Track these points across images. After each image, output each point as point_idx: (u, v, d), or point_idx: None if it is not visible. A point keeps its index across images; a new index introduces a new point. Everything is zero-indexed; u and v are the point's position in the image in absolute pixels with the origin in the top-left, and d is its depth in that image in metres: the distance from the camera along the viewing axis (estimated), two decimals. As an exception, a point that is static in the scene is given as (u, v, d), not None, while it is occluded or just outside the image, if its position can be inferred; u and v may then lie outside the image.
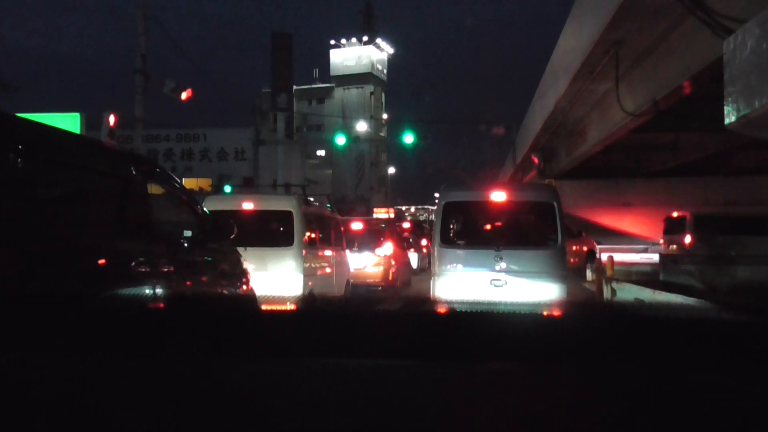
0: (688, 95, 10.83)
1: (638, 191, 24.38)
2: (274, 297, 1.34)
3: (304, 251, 8.69)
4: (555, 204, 7.84)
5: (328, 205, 11.04)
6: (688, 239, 19.27)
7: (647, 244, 23.97)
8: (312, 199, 11.04)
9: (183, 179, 36.01)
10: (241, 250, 8.66)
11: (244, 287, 5.80)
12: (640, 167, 23.90)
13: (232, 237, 5.31)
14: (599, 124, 16.37)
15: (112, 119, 15.78)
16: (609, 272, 10.84)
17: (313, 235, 9.38)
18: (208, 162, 35.94)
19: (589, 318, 1.28)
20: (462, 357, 1.07)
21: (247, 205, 8.90)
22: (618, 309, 1.77)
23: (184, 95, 18.46)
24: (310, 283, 8.79)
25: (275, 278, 8.39)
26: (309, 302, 1.51)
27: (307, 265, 8.81)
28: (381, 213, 47.44)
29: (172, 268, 4.34)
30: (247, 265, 6.33)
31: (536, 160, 24.61)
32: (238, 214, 8.92)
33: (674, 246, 19.75)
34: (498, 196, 8.12)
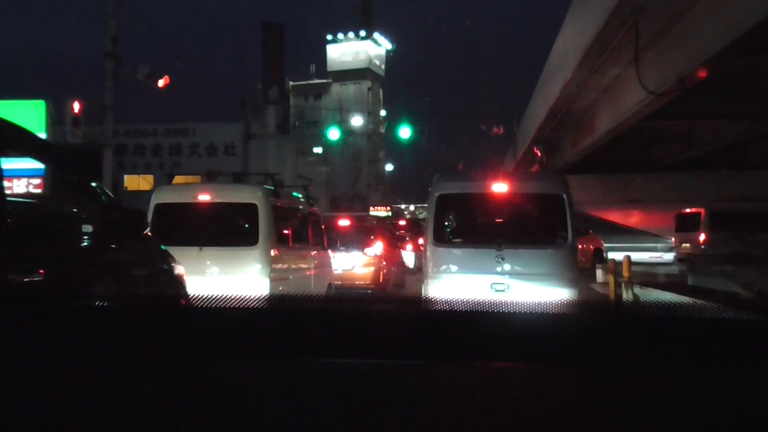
0: (719, 70, 9.48)
1: (647, 186, 23.34)
2: (272, 296, 1.41)
3: (272, 251, 7.36)
4: (564, 196, 6.90)
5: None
6: (702, 237, 18.13)
7: (657, 242, 22.81)
8: (301, 196, 9.67)
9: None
10: (195, 250, 7.41)
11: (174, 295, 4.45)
12: (650, 160, 22.75)
13: (145, 233, 3.98)
14: (610, 111, 15.08)
15: (76, 106, 14.45)
16: (626, 274, 9.51)
17: (284, 232, 8.05)
18: (197, 157, 34.72)
19: (589, 318, 1.22)
20: (462, 357, 1.07)
21: (204, 197, 7.55)
22: (619, 309, 1.73)
23: (160, 82, 17.15)
24: (280, 288, 7.46)
25: (237, 283, 7.11)
26: (307, 302, 1.37)
27: (276, 266, 7.49)
28: (380, 211, 46.43)
29: (38, 276, 3.06)
30: (183, 268, 4.98)
31: (539, 153, 23.38)
32: (192, 208, 7.62)
33: (687, 244, 18.60)
34: (499, 187, 7.16)
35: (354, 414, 0.92)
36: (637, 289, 8.32)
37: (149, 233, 4.17)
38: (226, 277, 7.23)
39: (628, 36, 10.08)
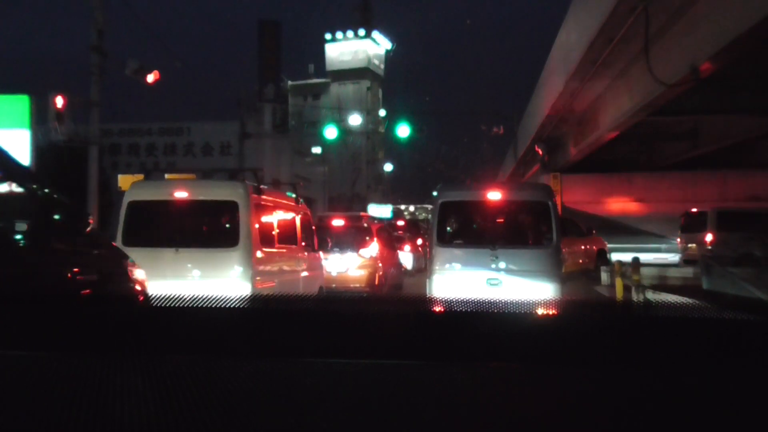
0: (733, 60, 8.88)
1: (651, 185, 22.82)
2: (273, 296, 1.30)
3: (254, 253, 6.79)
4: (550, 203, 7.87)
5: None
6: (709, 237, 17.57)
7: (661, 243, 22.23)
8: (294, 196, 9.06)
9: (165, 175, 34.19)
10: (171, 252, 6.85)
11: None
12: (654, 159, 22.19)
13: (87, 230, 3.42)
14: (616, 106, 14.51)
15: (60, 101, 13.85)
16: (635, 277, 8.95)
17: (269, 232, 7.48)
18: (192, 157, 34.27)
19: (590, 318, 1.20)
20: (462, 357, 1.07)
21: (181, 194, 6.97)
22: (619, 309, 1.66)
23: (150, 78, 16.58)
24: (264, 293, 6.87)
25: (216, 288, 6.47)
26: (308, 302, 1.37)
27: (260, 269, 6.93)
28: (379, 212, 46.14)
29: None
30: (143, 272, 4.41)
31: (540, 152, 22.79)
32: (168, 206, 7.05)
33: (694, 245, 18.03)
34: (494, 195, 8.17)
35: (354, 414, 0.91)
36: (650, 294, 7.79)
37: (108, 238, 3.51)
38: (205, 282, 6.68)
39: (637, 25, 9.50)
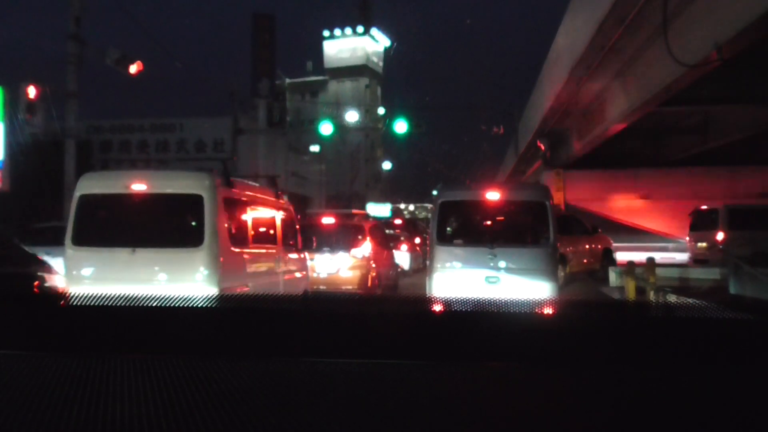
0: (763, 36, 7.99)
1: (658, 182, 22.05)
2: (273, 296, 1.30)
3: (222, 253, 5.96)
4: (547, 203, 7.98)
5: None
6: (720, 236, 16.78)
7: (668, 242, 21.46)
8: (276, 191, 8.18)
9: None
10: (127, 252, 6.01)
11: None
12: (660, 154, 21.39)
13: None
14: (626, 95, 13.72)
15: (32, 91, 13.04)
16: (651, 278, 8.13)
17: (242, 230, 6.65)
18: (185, 154, 33.57)
19: (590, 318, 1.22)
20: (462, 357, 1.08)
21: (138, 187, 6.11)
22: (619, 309, 1.66)
23: (133, 68, 15.79)
24: (235, 299, 6.02)
25: (179, 293, 5.65)
26: (308, 302, 1.39)
27: (229, 272, 6.10)
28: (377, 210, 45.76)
29: None
30: (61, 278, 3.57)
31: (542, 147, 21.98)
32: (124, 200, 6.21)
33: (704, 243, 17.25)
34: (493, 195, 8.29)
35: (354, 414, 0.90)
36: (673, 298, 6.94)
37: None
38: (166, 286, 5.85)
39: (653, 1, 8.65)
